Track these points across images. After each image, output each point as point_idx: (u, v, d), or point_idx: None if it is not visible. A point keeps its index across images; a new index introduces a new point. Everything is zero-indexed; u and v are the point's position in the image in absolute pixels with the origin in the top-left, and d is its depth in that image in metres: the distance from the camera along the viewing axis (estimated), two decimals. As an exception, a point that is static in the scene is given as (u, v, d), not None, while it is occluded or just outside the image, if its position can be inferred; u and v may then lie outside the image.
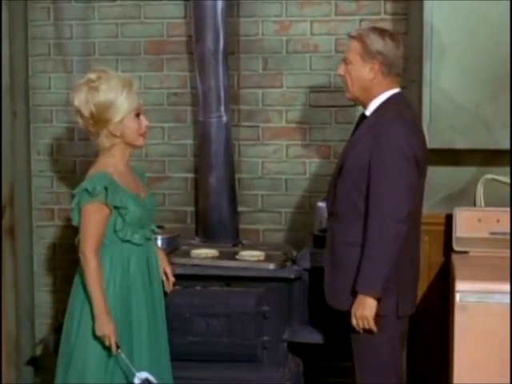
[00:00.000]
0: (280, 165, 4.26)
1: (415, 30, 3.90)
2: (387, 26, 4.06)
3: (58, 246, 4.49)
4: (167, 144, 4.28)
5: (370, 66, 3.20)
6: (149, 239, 3.38)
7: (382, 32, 3.24)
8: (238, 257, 3.81)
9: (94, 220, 3.18)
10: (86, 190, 3.17)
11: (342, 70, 3.28)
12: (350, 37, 3.28)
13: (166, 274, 3.52)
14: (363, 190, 3.17)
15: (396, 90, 3.27)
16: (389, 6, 4.09)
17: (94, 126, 3.24)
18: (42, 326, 4.46)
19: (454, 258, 3.71)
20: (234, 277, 3.74)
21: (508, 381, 3.27)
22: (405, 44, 4.00)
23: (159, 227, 3.79)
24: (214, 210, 4.13)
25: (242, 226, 4.23)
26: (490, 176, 3.94)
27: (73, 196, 3.26)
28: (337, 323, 3.41)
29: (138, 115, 3.28)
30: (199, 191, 4.23)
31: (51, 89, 4.44)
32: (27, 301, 4.43)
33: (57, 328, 4.18)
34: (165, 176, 4.34)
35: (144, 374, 3.16)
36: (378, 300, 3.14)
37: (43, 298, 4.50)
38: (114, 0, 4.33)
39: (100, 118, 3.21)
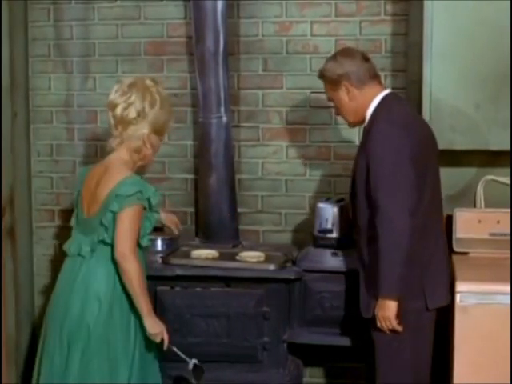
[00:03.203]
0: (280, 165, 4.26)
1: (415, 31, 3.89)
2: (387, 26, 4.08)
3: (57, 246, 4.48)
4: (167, 145, 4.26)
5: (343, 89, 3.34)
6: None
7: (333, 56, 3.42)
8: (238, 258, 3.80)
9: (136, 222, 3.20)
10: (140, 192, 3.19)
11: (334, 110, 3.48)
12: (318, 78, 3.46)
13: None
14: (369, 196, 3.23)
15: (384, 93, 3.35)
16: (389, 6, 4.08)
17: (131, 123, 3.27)
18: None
19: (454, 259, 3.71)
20: (234, 278, 3.73)
21: (508, 381, 3.27)
22: (405, 44, 4.04)
23: (159, 229, 3.80)
24: (214, 211, 4.13)
25: (242, 227, 4.23)
26: (490, 177, 3.94)
27: (109, 195, 3.19)
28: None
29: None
30: (199, 192, 4.22)
31: (51, 90, 4.43)
32: (27, 302, 4.43)
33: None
34: (165, 177, 4.34)
35: (193, 360, 3.40)
36: (398, 300, 3.17)
37: (43, 299, 4.49)
38: (114, 1, 4.33)
39: (142, 122, 3.27)
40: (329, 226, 3.76)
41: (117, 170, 3.26)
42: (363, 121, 3.38)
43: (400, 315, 3.20)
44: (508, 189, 3.89)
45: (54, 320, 3.32)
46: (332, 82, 3.35)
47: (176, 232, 3.83)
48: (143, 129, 3.28)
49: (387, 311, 3.19)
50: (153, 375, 3.38)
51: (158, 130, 3.33)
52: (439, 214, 3.41)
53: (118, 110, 3.29)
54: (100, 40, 4.35)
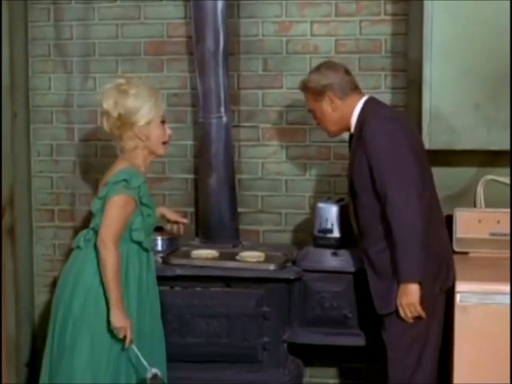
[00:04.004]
0: (280, 165, 4.26)
1: (415, 31, 3.89)
2: (387, 26, 4.08)
3: (57, 246, 4.49)
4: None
5: (326, 100, 3.40)
6: (150, 249, 3.43)
7: (316, 68, 3.48)
8: (238, 257, 3.80)
9: (122, 211, 3.20)
10: (125, 181, 3.20)
11: (315, 120, 3.54)
12: (300, 90, 3.50)
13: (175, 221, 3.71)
14: (376, 193, 3.28)
15: (365, 98, 3.42)
16: (389, 6, 4.08)
17: (120, 128, 3.30)
18: (42, 327, 4.45)
19: (454, 258, 3.70)
20: (234, 278, 3.73)
21: (508, 381, 3.27)
22: (405, 44, 4.04)
23: (159, 228, 3.79)
24: (214, 211, 4.13)
25: (242, 227, 4.22)
26: (490, 177, 3.94)
27: (105, 184, 3.25)
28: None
29: (163, 122, 3.37)
30: (199, 192, 4.22)
31: (51, 89, 4.43)
32: (27, 301, 4.43)
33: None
34: (165, 177, 4.34)
35: (154, 370, 3.23)
36: (420, 283, 3.21)
37: (43, 299, 4.49)
38: (114, 1, 4.33)
39: (127, 121, 3.28)
40: (329, 226, 3.76)
41: (118, 162, 3.32)
42: (345, 129, 3.46)
43: (423, 301, 3.22)
44: (508, 189, 3.89)
45: (52, 310, 3.36)
46: (316, 92, 3.40)
47: (181, 231, 3.76)
48: (124, 128, 3.29)
49: (410, 297, 3.21)
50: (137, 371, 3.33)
51: (138, 118, 3.28)
52: (437, 203, 3.46)
53: (104, 124, 3.37)
54: (100, 40, 4.35)
